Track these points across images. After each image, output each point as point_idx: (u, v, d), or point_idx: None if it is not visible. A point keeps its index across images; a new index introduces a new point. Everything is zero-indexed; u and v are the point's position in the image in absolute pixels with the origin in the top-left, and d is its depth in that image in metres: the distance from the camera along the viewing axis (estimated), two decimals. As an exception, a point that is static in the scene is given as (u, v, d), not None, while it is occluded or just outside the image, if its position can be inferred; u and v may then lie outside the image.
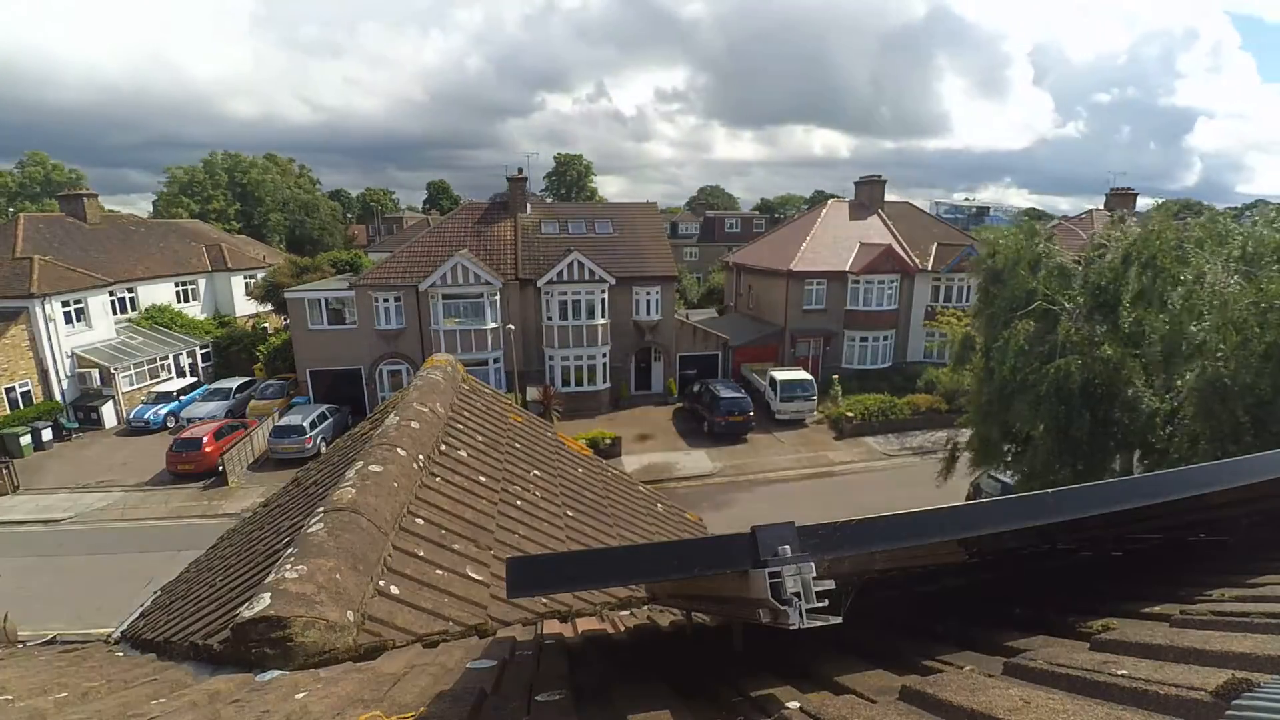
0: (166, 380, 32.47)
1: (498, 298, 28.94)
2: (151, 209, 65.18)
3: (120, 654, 3.60)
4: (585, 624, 3.29)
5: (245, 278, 42.60)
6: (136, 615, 4.58)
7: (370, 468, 3.49)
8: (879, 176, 38.11)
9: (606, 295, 29.69)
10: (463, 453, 4.52)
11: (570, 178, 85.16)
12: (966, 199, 74.48)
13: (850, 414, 28.05)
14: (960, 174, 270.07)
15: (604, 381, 30.55)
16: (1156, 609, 1.80)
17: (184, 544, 16.72)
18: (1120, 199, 36.49)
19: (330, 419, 26.48)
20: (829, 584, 1.34)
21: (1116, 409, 12.56)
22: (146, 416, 28.96)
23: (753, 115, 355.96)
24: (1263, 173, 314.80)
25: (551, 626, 3.13)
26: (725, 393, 27.99)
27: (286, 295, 29.79)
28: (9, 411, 27.24)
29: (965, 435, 16.79)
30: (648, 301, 30.94)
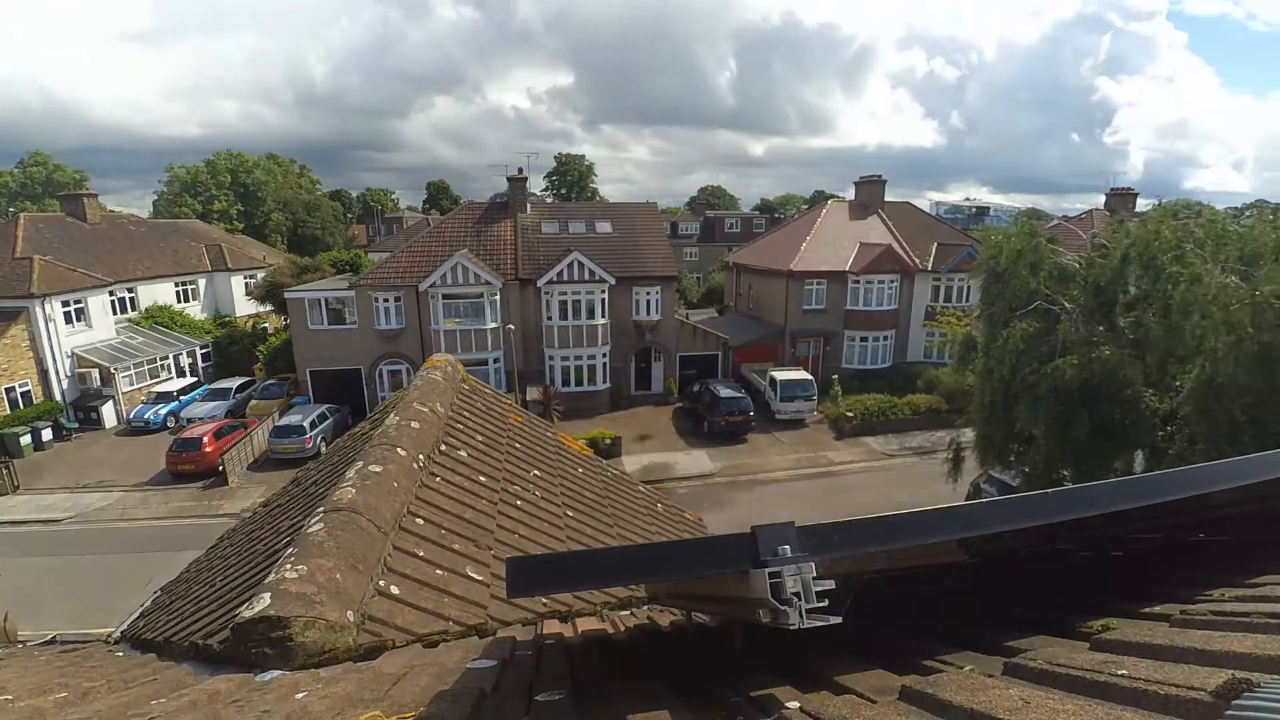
0: (166, 380, 32.48)
1: (498, 298, 28.95)
2: (151, 209, 65.28)
3: (120, 654, 3.60)
4: (585, 624, 3.29)
5: (245, 278, 42.61)
6: (136, 615, 4.57)
7: (370, 468, 3.49)
8: (879, 176, 38.10)
9: (606, 295, 29.70)
10: (463, 453, 4.52)
11: (571, 178, 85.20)
12: (967, 199, 74.36)
13: (850, 414, 28.04)
14: (909, 172, 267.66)
15: (604, 381, 30.55)
16: (1156, 609, 1.80)
17: (184, 544, 16.71)
18: (1120, 199, 36.56)
19: (330, 419, 26.49)
20: (829, 584, 1.34)
21: (1116, 409, 12.56)
22: (146, 416, 28.98)
23: (640, 112, 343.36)
24: (1210, 169, 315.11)
25: (551, 626, 3.13)
26: (725, 393, 27.99)
27: (286, 295, 29.82)
28: (9, 411, 27.25)
29: (968, 435, 16.79)
30: (648, 301, 30.94)
